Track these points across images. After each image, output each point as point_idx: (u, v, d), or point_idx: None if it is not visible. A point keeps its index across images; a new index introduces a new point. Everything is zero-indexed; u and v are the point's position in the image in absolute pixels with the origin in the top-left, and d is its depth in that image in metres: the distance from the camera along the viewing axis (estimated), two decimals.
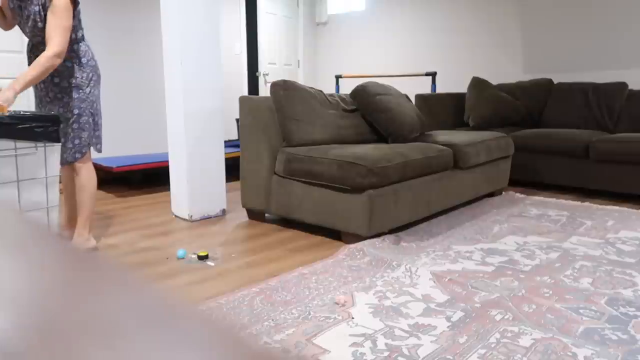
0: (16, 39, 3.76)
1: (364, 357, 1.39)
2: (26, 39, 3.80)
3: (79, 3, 2.11)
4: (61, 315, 0.15)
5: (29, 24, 2.07)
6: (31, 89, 3.72)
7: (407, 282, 1.94)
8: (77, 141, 2.20)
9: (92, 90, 2.21)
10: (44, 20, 2.05)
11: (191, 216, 2.91)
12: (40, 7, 2.03)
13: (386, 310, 1.69)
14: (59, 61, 2.02)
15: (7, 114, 1.78)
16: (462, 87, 5.17)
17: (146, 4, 4.51)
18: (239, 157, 4.21)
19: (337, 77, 5.19)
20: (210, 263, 2.18)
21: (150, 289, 0.19)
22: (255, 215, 2.92)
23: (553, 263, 2.17)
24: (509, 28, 4.83)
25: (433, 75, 4.56)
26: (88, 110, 2.21)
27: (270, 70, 5.83)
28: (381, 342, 1.48)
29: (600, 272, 2.05)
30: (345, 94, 3.15)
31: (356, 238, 2.41)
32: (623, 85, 3.96)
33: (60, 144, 1.92)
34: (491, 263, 2.16)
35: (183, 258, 2.24)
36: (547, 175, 3.72)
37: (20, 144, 1.80)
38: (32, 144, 1.83)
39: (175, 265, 2.17)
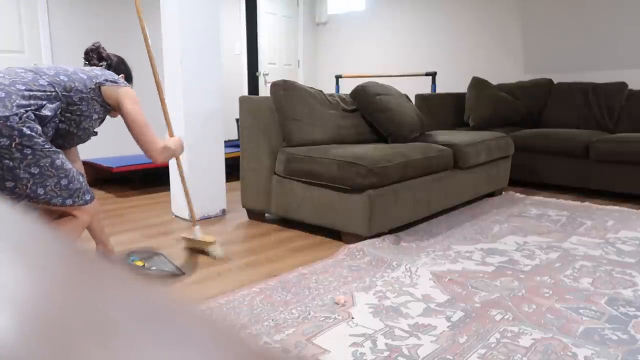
0: (16, 38, 3.76)
1: (364, 357, 1.39)
2: (26, 38, 3.81)
3: None
4: (61, 315, 0.15)
5: None
6: None
7: (407, 282, 1.94)
8: None
9: None
10: None
11: None
12: None
13: (386, 310, 1.69)
14: None
15: None
16: (462, 87, 5.17)
17: (146, 4, 4.52)
18: (239, 157, 4.22)
19: (337, 77, 5.19)
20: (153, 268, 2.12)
21: (150, 289, 0.19)
22: (255, 215, 2.92)
23: (553, 263, 2.17)
24: (509, 28, 4.83)
25: (433, 75, 4.56)
26: None
27: (270, 70, 5.83)
28: (381, 342, 1.48)
29: (600, 272, 2.05)
30: (345, 94, 3.15)
31: (356, 238, 2.41)
32: (623, 85, 3.96)
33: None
34: (491, 263, 2.16)
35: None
36: (547, 175, 3.72)
37: None
38: None
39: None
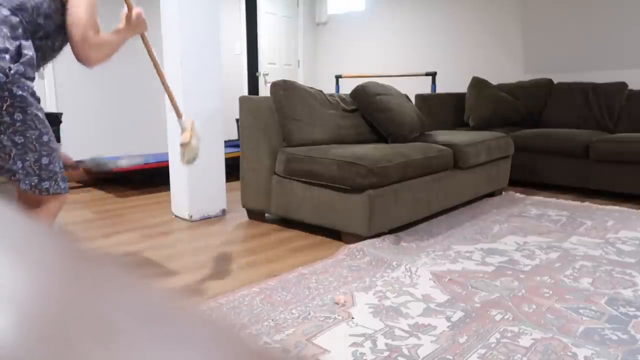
0: None
1: (364, 357, 1.39)
2: None
3: None
4: (61, 315, 0.15)
5: None
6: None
7: (407, 282, 1.94)
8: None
9: None
10: None
11: (191, 216, 2.91)
12: None
13: (386, 310, 1.69)
14: None
15: None
16: (462, 87, 5.17)
17: (146, 4, 4.51)
18: (239, 157, 4.22)
19: (337, 77, 5.19)
20: None
21: (150, 289, 0.19)
22: (255, 215, 2.92)
23: (553, 263, 2.17)
24: (510, 28, 4.83)
25: (433, 75, 4.56)
26: None
27: (270, 70, 5.83)
28: (381, 342, 1.48)
29: (600, 272, 2.05)
30: (345, 94, 3.15)
31: (356, 238, 2.41)
32: (623, 85, 3.96)
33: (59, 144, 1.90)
34: (491, 263, 2.16)
35: None
36: (547, 175, 3.72)
37: None
38: None
39: (176, 265, 2.17)
